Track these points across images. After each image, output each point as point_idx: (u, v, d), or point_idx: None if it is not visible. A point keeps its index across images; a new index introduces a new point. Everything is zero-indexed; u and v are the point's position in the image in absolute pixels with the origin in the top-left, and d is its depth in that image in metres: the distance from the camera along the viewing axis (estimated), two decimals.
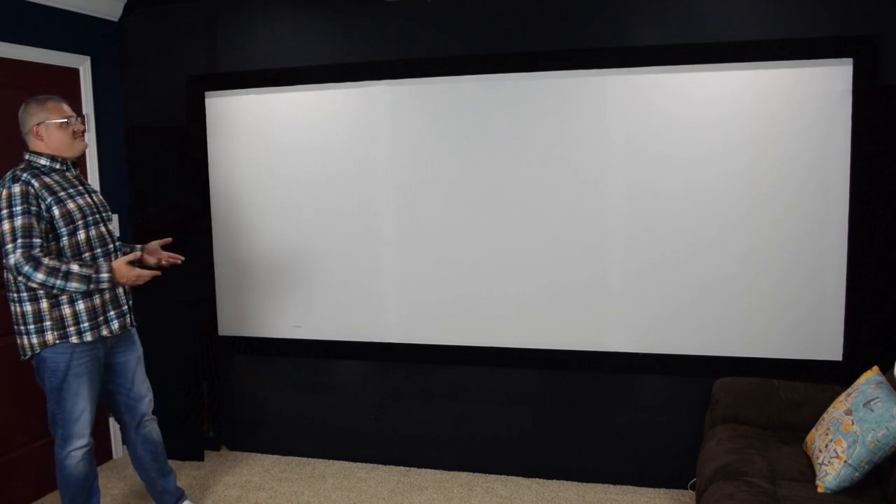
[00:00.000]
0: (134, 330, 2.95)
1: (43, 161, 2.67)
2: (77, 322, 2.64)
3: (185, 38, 3.78)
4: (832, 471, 2.38)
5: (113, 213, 3.19)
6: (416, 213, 3.54)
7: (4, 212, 2.51)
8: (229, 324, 3.89)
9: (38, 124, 2.65)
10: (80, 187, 2.74)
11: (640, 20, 3.21)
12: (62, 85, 3.53)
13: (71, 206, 2.64)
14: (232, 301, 3.87)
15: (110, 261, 2.73)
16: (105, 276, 2.59)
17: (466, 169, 3.45)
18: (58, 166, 2.69)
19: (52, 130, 2.66)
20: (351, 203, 3.62)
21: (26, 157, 2.69)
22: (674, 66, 3.16)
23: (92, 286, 2.58)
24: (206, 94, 3.75)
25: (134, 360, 2.91)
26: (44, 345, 2.62)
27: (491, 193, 3.44)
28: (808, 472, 2.53)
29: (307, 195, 3.67)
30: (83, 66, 3.64)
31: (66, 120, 2.68)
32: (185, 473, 3.66)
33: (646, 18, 3.20)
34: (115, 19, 3.83)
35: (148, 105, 3.87)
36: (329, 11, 3.57)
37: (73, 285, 2.55)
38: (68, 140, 2.69)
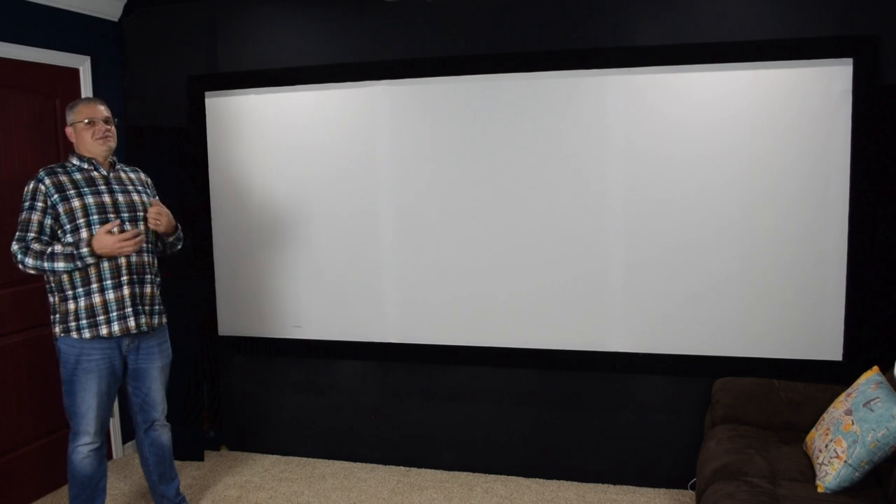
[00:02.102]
0: (164, 337, 2.98)
1: (74, 160, 2.82)
2: (77, 318, 2.72)
3: (185, 38, 3.78)
4: (832, 471, 2.38)
5: None
6: (416, 213, 3.55)
7: (21, 205, 2.72)
8: (229, 324, 3.89)
9: (68, 125, 2.83)
10: (104, 186, 2.80)
11: (639, 20, 3.21)
12: (62, 85, 3.54)
13: (76, 203, 2.71)
14: (232, 301, 3.87)
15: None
16: (85, 250, 2.67)
17: (466, 169, 3.45)
18: (85, 166, 2.81)
19: (79, 131, 2.81)
20: (351, 203, 3.62)
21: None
22: (674, 66, 3.16)
23: (78, 263, 2.67)
24: (206, 94, 3.75)
25: (155, 369, 2.94)
26: (55, 336, 2.77)
27: (491, 194, 3.44)
28: (808, 472, 2.53)
29: (307, 195, 3.67)
30: (83, 66, 3.64)
31: (87, 121, 2.79)
32: (185, 473, 3.66)
33: (646, 18, 3.20)
34: (115, 19, 3.83)
35: (148, 105, 3.87)
36: (329, 11, 3.57)
37: (60, 265, 2.66)
38: (90, 140, 2.80)
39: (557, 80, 3.31)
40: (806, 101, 3.05)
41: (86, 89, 3.64)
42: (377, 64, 3.49)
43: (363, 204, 3.60)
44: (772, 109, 3.08)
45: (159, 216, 2.83)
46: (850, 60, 2.98)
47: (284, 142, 3.67)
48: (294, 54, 3.62)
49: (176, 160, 3.78)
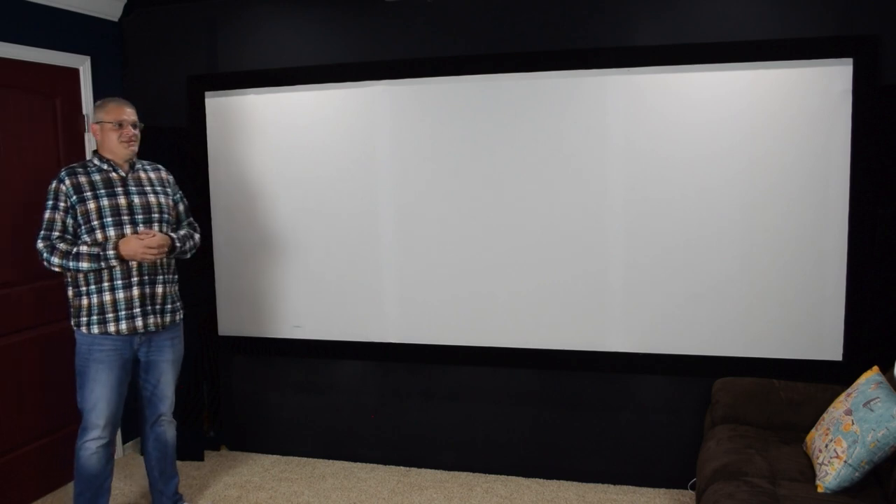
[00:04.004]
0: (176, 333, 3.02)
1: (95, 160, 2.88)
2: (88, 314, 2.79)
3: (185, 38, 3.78)
4: (832, 471, 2.38)
5: None
6: (416, 213, 3.55)
7: (45, 204, 2.78)
8: (229, 324, 3.89)
9: (97, 123, 2.86)
10: (121, 188, 2.85)
11: (639, 20, 3.21)
12: (62, 85, 3.54)
13: (91, 205, 2.77)
14: (232, 301, 3.87)
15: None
16: (111, 252, 2.74)
17: (466, 169, 3.45)
18: (104, 167, 2.86)
19: (106, 131, 2.85)
20: (351, 203, 3.62)
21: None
22: (674, 66, 3.16)
23: (102, 263, 2.74)
24: (206, 94, 3.75)
25: (165, 362, 2.98)
26: (72, 328, 2.85)
27: (491, 193, 3.44)
28: (808, 472, 2.53)
29: (307, 195, 3.67)
30: (83, 66, 3.64)
31: (117, 123, 2.83)
32: (185, 473, 3.66)
33: (646, 18, 3.20)
34: (115, 19, 3.83)
35: (148, 105, 3.85)
36: (329, 11, 3.57)
37: (84, 265, 2.72)
38: (115, 143, 2.85)
39: (557, 80, 3.31)
40: (806, 101, 3.05)
41: (86, 89, 3.64)
42: (377, 64, 3.49)
43: (363, 204, 3.60)
44: (772, 109, 3.08)
45: (148, 251, 2.76)
46: (850, 60, 2.98)
47: (284, 142, 3.67)
48: (294, 54, 3.62)
49: (176, 160, 3.76)
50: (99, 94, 3.68)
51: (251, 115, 3.71)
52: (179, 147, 3.78)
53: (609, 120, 3.26)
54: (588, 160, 3.31)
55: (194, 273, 3.79)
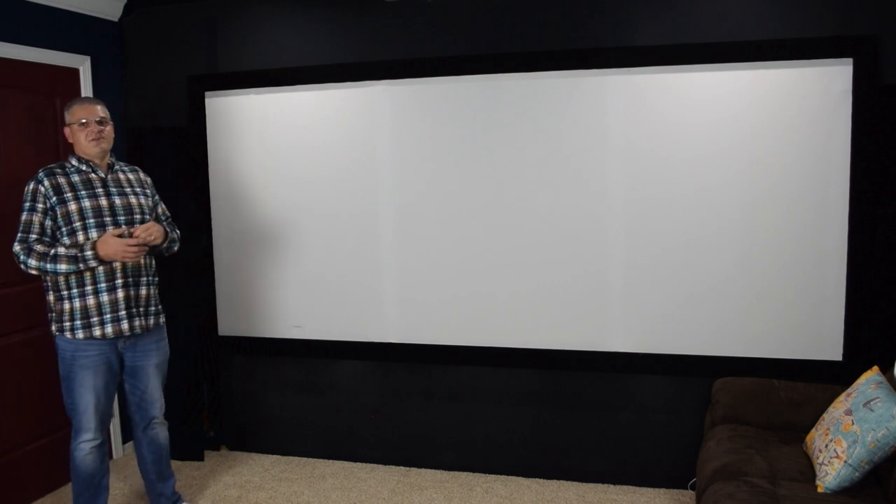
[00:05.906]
0: (161, 336, 3.00)
1: (73, 161, 2.82)
2: (71, 319, 2.73)
3: (185, 38, 3.78)
4: (832, 471, 2.38)
5: None
6: (416, 213, 3.55)
7: (22, 206, 2.72)
8: (229, 324, 3.89)
9: (65, 126, 2.83)
10: (101, 189, 2.80)
11: (639, 20, 3.21)
12: (62, 85, 3.54)
13: (72, 207, 2.71)
14: (232, 301, 3.87)
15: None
16: (89, 253, 2.68)
17: (466, 169, 3.45)
18: (83, 167, 2.81)
19: (74, 132, 2.81)
20: (351, 203, 3.62)
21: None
22: (674, 66, 3.16)
23: (80, 265, 2.68)
24: (206, 94, 3.75)
25: (151, 366, 2.96)
26: (52, 333, 2.79)
27: (491, 194, 3.44)
28: (808, 472, 2.53)
29: (307, 195, 3.67)
30: (83, 66, 3.64)
31: (82, 121, 2.78)
32: (185, 473, 3.66)
33: (646, 18, 3.20)
34: (115, 19, 3.83)
35: (148, 105, 3.87)
36: (329, 11, 3.57)
37: (62, 267, 2.67)
38: (84, 142, 2.80)
39: (557, 80, 3.31)
40: (806, 101, 3.05)
41: (86, 89, 3.65)
42: (377, 64, 3.49)
43: (363, 204, 3.60)
44: (772, 109, 3.08)
45: (149, 231, 2.77)
46: (850, 60, 2.98)
47: (284, 142, 3.67)
48: (294, 54, 3.62)
49: (176, 160, 3.78)
50: (99, 94, 3.68)
51: (251, 115, 3.71)
52: (179, 147, 3.78)
53: (609, 120, 3.26)
54: (588, 160, 3.31)
55: (194, 273, 3.79)
